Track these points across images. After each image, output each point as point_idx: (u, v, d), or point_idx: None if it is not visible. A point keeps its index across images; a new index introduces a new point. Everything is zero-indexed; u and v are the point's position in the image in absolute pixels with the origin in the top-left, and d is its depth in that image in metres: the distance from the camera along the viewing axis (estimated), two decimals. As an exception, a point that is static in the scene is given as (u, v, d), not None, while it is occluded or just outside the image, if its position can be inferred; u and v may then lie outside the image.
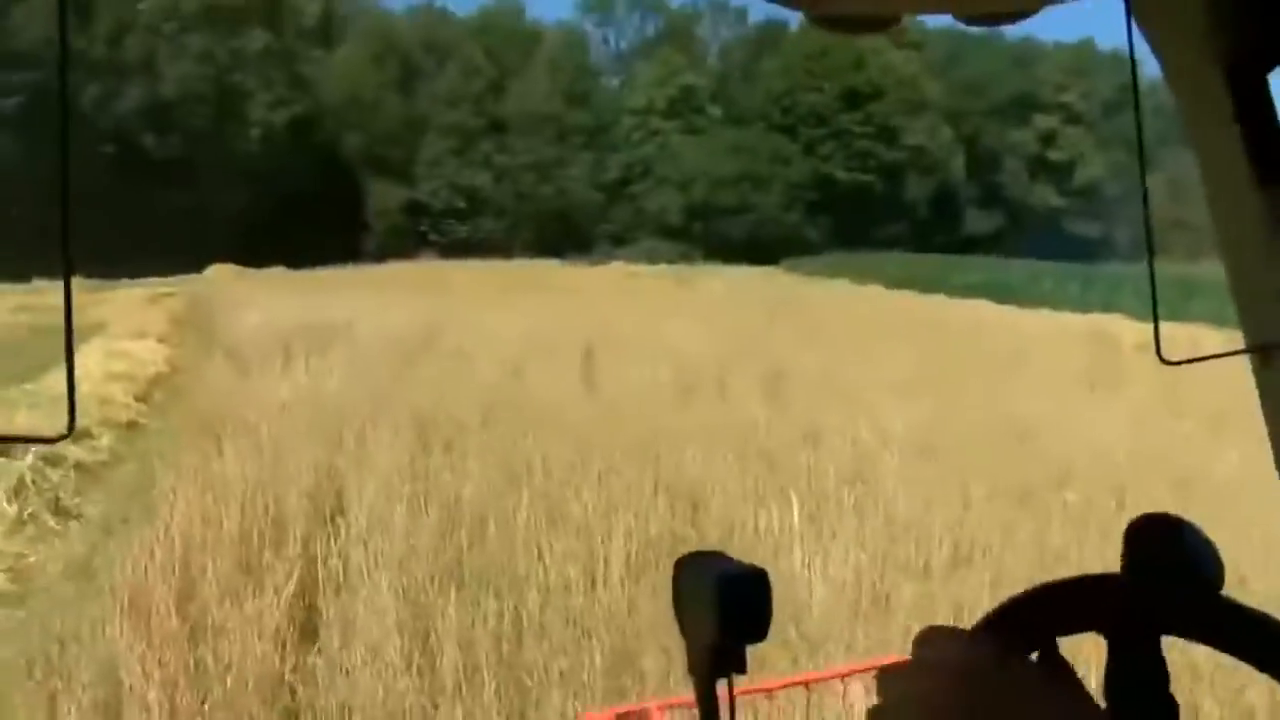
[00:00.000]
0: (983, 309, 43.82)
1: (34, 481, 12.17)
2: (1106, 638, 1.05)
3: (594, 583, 6.48)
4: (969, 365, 18.63)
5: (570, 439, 10.62)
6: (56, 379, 18.30)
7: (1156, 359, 1.41)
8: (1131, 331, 27.60)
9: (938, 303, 45.82)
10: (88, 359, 20.00)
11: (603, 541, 7.36)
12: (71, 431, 0.94)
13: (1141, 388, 16.70)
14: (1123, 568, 1.04)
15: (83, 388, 17.70)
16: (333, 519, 7.93)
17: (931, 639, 0.89)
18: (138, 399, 17.47)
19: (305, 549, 7.14)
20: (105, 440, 14.69)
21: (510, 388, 13.81)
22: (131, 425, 15.97)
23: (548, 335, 20.01)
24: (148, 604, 5.88)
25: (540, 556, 6.95)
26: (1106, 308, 44.74)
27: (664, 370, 16.01)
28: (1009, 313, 42.77)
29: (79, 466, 13.51)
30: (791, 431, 11.63)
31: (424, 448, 10.58)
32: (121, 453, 14.38)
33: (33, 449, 12.23)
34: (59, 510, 11.61)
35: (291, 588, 6.34)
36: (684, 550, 1.05)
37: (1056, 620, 1.05)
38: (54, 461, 13.18)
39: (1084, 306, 46.34)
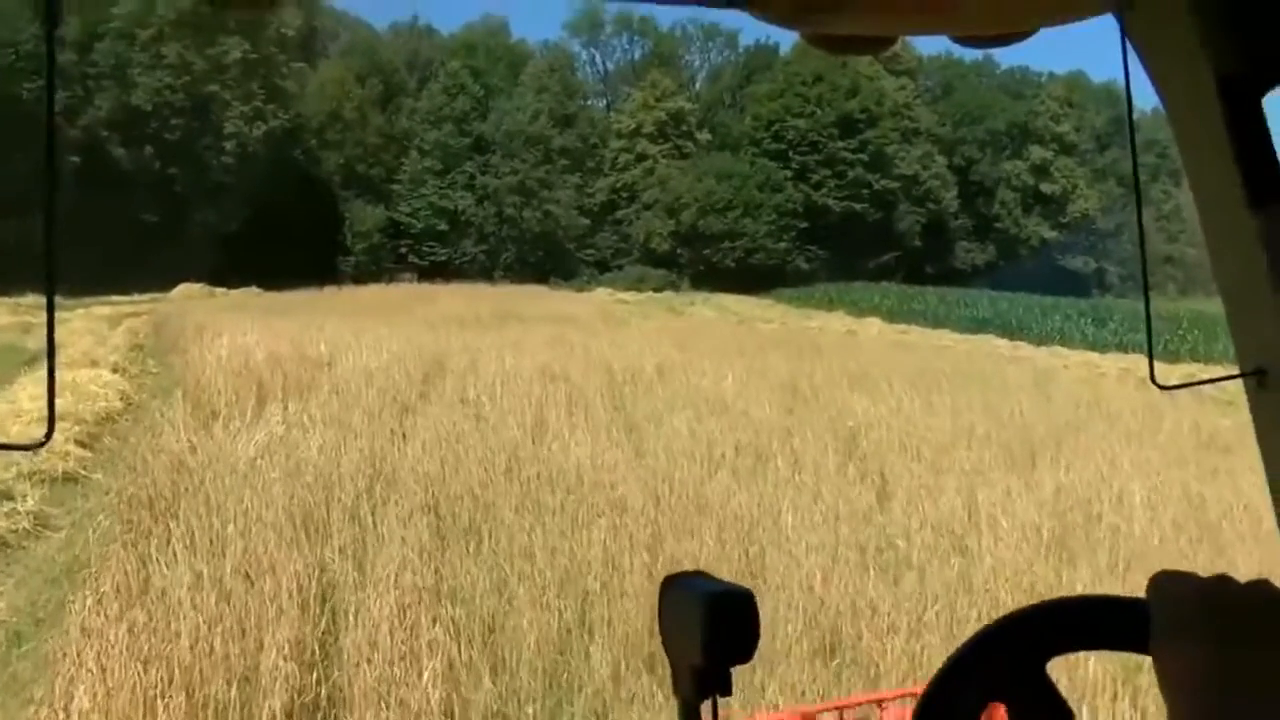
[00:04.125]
0: (997, 346, 41.35)
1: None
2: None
3: None
4: (1047, 419, 16.07)
5: (635, 531, 7.96)
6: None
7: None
8: (1176, 376, 25.13)
9: (950, 339, 43.32)
10: (23, 392, 17.17)
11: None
12: (49, 439, 0.99)
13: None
14: None
15: (12, 429, 14.90)
16: (328, 686, 5.22)
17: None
18: (80, 443, 14.59)
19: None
20: (31, 501, 11.83)
21: (537, 449, 11.11)
22: (68, 479, 13.10)
23: (561, 374, 17.34)
24: None
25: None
26: (1122, 347, 42.38)
27: (710, 423, 13.38)
28: (1027, 350, 40.33)
29: (-9, 539, 10.77)
30: (911, 522, 9.01)
31: (442, 542, 7.88)
32: (50, 518, 11.54)
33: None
34: (-49, 604, 8.87)
35: None
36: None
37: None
38: (-44, 535, 10.45)
39: (1099, 345, 43.95)
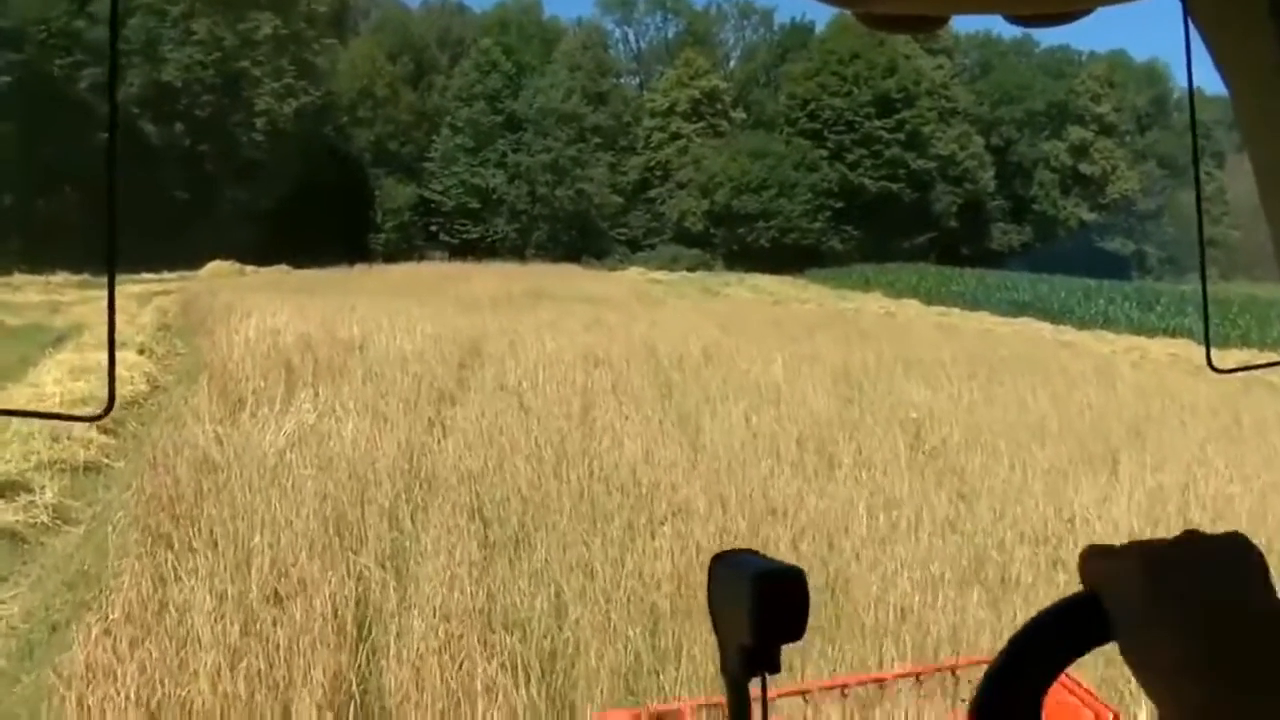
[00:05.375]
0: (1040, 330, 40.29)
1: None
2: None
3: None
4: (1118, 411, 15.19)
5: (702, 539, 7.17)
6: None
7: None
8: (1231, 362, 24.05)
9: (991, 322, 42.28)
10: (48, 375, 16.57)
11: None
12: (109, 411, 1.04)
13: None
14: None
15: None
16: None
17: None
18: (103, 430, 13.99)
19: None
20: (50, 493, 11.16)
21: (586, 443, 10.33)
22: (90, 468, 12.45)
23: (604, 358, 16.57)
24: None
25: None
26: (1169, 331, 41.16)
27: (766, 414, 12.60)
28: (1071, 334, 39.25)
29: (5, 534, 10.12)
30: (1003, 531, 8.20)
31: (490, 551, 7.14)
32: (69, 511, 10.88)
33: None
34: (-43, 609, 8.20)
35: None
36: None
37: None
38: (-33, 531, 9.82)
39: (1145, 329, 42.72)
